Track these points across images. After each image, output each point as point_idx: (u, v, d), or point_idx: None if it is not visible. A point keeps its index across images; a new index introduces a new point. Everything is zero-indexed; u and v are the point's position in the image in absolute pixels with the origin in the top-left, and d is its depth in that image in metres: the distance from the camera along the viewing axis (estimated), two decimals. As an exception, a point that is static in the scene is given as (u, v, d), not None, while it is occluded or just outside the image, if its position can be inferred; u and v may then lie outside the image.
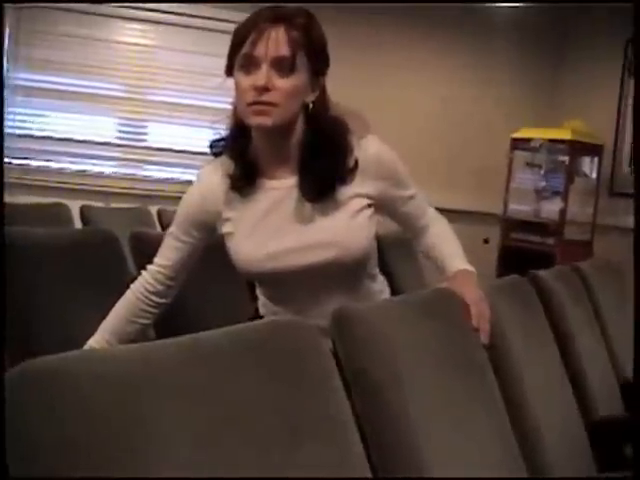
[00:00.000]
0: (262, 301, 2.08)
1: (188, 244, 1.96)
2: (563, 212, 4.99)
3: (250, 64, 1.74)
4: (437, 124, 5.56)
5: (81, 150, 5.03)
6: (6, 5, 4.19)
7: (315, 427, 1.13)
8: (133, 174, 5.14)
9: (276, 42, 1.73)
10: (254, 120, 1.76)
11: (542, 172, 5.22)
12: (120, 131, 5.14)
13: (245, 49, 1.74)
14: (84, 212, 3.84)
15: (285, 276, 1.88)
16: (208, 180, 1.92)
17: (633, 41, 2.20)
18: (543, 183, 5.23)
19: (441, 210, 2.08)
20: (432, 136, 5.50)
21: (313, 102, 1.84)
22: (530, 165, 5.30)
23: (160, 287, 2.00)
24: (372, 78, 5.27)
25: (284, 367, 1.14)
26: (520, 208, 5.34)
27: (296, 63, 1.75)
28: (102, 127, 5.15)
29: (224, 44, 5.55)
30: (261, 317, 2.08)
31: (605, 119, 5.28)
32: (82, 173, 5.00)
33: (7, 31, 4.61)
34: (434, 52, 5.66)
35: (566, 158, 5.02)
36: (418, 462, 1.37)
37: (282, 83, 1.73)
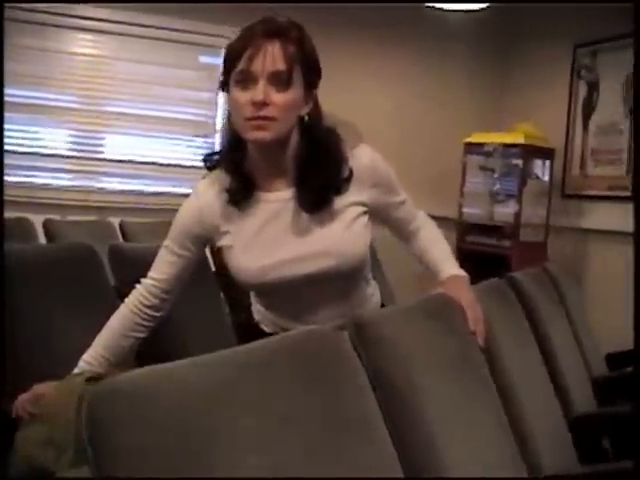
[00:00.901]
0: (257, 308, 2.11)
1: (184, 257, 1.98)
2: (518, 215, 5.09)
3: (247, 79, 1.76)
4: (391, 129, 5.62)
5: (35, 163, 4.96)
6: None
7: (355, 428, 1.17)
8: (89, 186, 5.09)
9: (273, 57, 1.76)
10: (253, 135, 1.79)
11: (495, 176, 5.31)
12: (75, 143, 5.08)
13: (242, 65, 1.76)
14: (47, 226, 3.80)
15: (284, 286, 1.91)
16: (205, 194, 1.94)
17: (634, 41, 2.25)
18: (497, 186, 5.32)
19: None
20: (386, 141, 5.47)
21: (308, 114, 1.87)
22: (483, 169, 5.38)
23: (155, 301, 2.00)
24: (326, 84, 5.29)
25: (322, 372, 1.19)
26: (475, 212, 5.42)
27: (293, 77, 1.78)
28: (57, 139, 5.08)
29: (179, 54, 5.60)
30: (256, 324, 2.11)
31: (555, 122, 5.40)
32: (38, 186, 4.93)
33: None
34: (387, 57, 5.72)
35: (519, 161, 5.11)
36: (438, 462, 1.41)
37: (279, 98, 1.76)
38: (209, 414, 0.89)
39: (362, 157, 1.93)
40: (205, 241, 1.99)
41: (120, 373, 1.98)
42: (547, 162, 5.31)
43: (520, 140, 5.06)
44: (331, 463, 1.08)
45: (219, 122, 5.31)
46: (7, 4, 2.10)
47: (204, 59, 5.27)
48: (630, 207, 4.87)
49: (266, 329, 2.09)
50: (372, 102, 5.63)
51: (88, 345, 2.14)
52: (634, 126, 2.02)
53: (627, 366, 3.35)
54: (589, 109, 5.24)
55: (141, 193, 5.17)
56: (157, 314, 2.03)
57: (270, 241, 1.89)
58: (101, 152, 5.15)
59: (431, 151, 5.70)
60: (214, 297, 3.15)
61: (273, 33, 1.77)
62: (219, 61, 5.13)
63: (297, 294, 1.94)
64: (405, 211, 2.08)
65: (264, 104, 1.75)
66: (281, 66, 1.76)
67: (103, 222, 4.37)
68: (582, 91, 5.31)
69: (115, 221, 4.48)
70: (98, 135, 5.14)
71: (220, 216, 1.92)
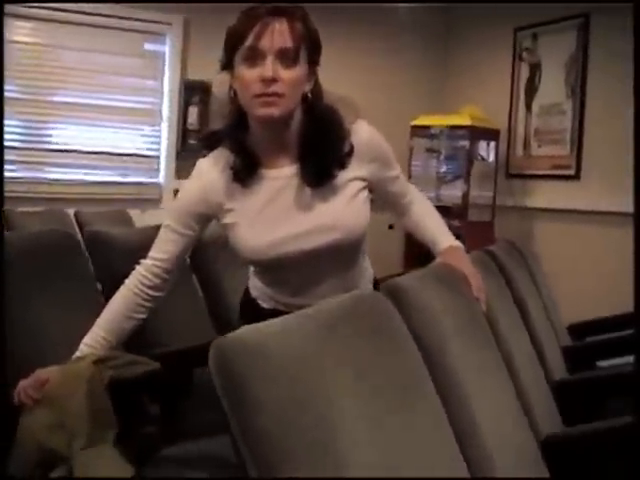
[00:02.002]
0: (254, 285, 2.12)
1: (186, 236, 1.98)
2: (466, 195, 5.18)
3: (254, 56, 1.77)
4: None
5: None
6: None
7: (415, 384, 1.20)
8: (37, 177, 4.98)
9: (281, 34, 1.77)
10: (262, 111, 1.80)
11: (442, 158, 5.40)
12: (21, 134, 4.97)
13: (249, 42, 1.76)
14: (7, 216, 3.72)
15: (288, 261, 1.92)
16: (208, 172, 1.94)
17: (634, 41, 2.30)
18: (443, 168, 5.41)
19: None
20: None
21: (310, 91, 1.89)
22: (430, 151, 5.46)
23: (157, 280, 2.00)
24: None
25: (380, 332, 1.21)
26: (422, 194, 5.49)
27: (299, 54, 1.80)
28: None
29: (124, 42, 5.51)
30: (253, 299, 2.12)
31: (498, 104, 5.52)
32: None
33: None
34: (334, 44, 5.72)
35: (466, 143, 5.20)
36: (473, 424, 1.45)
37: (287, 74, 1.78)
38: (312, 368, 0.92)
39: (361, 132, 1.96)
40: (208, 219, 1.99)
41: (122, 354, 1.99)
42: (492, 143, 5.42)
43: (466, 122, 5.15)
44: (400, 412, 1.12)
45: (165, 110, 5.27)
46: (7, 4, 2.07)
47: (149, 46, 5.20)
48: (574, 185, 5.05)
49: (264, 305, 2.10)
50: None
51: (71, 331, 2.12)
52: (634, 122, 2.07)
53: (589, 336, 3.47)
54: (532, 90, 5.37)
55: (90, 183, 5.08)
56: (158, 294, 2.02)
57: (275, 217, 1.91)
58: (48, 142, 5.04)
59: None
60: (188, 283, 3.15)
61: (280, 11, 1.78)
62: (164, 48, 5.18)
63: (300, 269, 1.96)
64: (399, 185, 2.12)
65: (273, 80, 1.76)
66: (289, 43, 1.77)
67: (59, 212, 4.30)
68: (524, 73, 5.43)
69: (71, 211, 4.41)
70: (44, 125, 5.03)
71: (224, 194, 1.92)
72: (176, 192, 5.18)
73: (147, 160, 5.26)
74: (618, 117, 4.78)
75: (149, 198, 5.19)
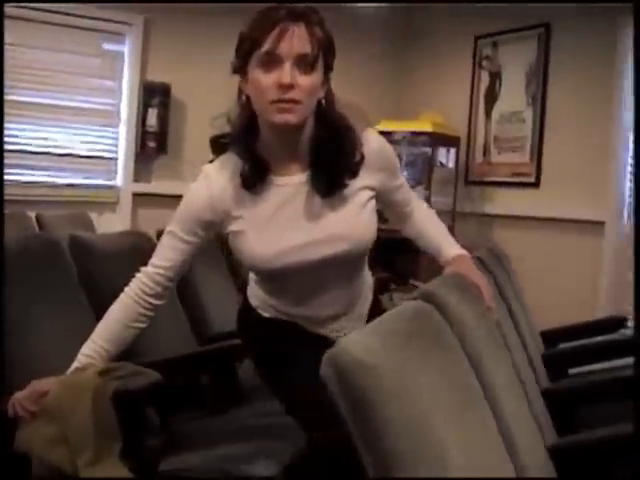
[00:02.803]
0: (255, 294, 2.08)
1: (191, 244, 1.92)
2: (427, 201, 5.19)
3: (272, 62, 1.73)
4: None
5: None
6: None
7: (477, 396, 1.19)
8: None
9: (300, 39, 1.73)
10: (279, 118, 1.76)
11: (402, 163, 5.40)
12: (-26, 133, 4.81)
13: (267, 47, 1.72)
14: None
15: (294, 270, 1.89)
16: (216, 179, 1.89)
17: (634, 40, 2.32)
18: (404, 174, 5.39)
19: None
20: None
21: (324, 98, 1.86)
22: (390, 157, 5.46)
23: (159, 289, 1.95)
24: (220, 78, 5.30)
25: (443, 343, 1.19)
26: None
27: (317, 60, 1.77)
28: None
29: (83, 41, 5.37)
30: (253, 308, 2.08)
31: (458, 111, 5.55)
32: None
33: None
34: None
35: (427, 149, 5.23)
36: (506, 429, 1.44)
37: (304, 80, 1.75)
38: (415, 382, 0.90)
39: (372, 141, 1.93)
40: (214, 226, 1.93)
41: (124, 364, 1.92)
42: (452, 150, 5.46)
43: (428, 128, 5.17)
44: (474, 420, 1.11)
45: (124, 111, 5.17)
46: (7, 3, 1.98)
47: (108, 46, 5.09)
48: (534, 192, 5.11)
49: (264, 314, 2.06)
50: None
51: (55, 336, 2.05)
52: (634, 128, 2.09)
53: (559, 343, 3.50)
54: (492, 98, 5.41)
55: (46, 185, 4.94)
56: (159, 302, 1.97)
57: (284, 225, 1.87)
58: (5, 143, 4.89)
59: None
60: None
61: (297, 16, 1.75)
62: (123, 49, 5.08)
63: (305, 278, 1.92)
64: (404, 193, 2.10)
65: (290, 87, 1.72)
66: (307, 49, 1.74)
67: (19, 214, 4.16)
68: (484, 81, 5.47)
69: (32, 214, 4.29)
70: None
71: (232, 201, 1.88)
72: (135, 195, 5.13)
73: (105, 162, 5.14)
74: (578, 126, 4.86)
75: (107, 201, 5.09)
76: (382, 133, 5.34)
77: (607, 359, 3.03)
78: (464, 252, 2.09)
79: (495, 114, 5.40)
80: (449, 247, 2.10)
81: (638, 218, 1.91)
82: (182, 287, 3.13)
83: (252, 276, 2.08)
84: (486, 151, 5.44)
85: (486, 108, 5.46)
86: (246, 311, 2.12)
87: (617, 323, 3.39)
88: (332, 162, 1.85)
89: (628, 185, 4.64)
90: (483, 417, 1.21)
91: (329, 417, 1.76)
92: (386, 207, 2.08)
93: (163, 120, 5.17)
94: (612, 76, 4.61)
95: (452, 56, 5.68)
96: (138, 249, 2.90)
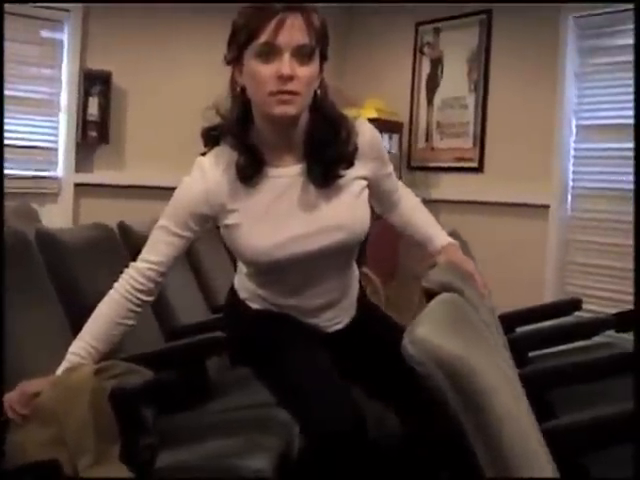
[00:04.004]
0: (245, 286, 2.06)
1: (184, 238, 1.90)
2: (372, 187, 5.22)
3: (270, 53, 1.72)
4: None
5: None
6: None
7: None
8: None
9: (298, 30, 1.72)
10: (279, 109, 1.75)
11: (346, 150, 5.41)
12: None
13: (265, 38, 1.71)
14: None
15: (290, 262, 1.88)
16: (211, 172, 1.86)
17: (634, 40, 2.35)
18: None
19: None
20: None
21: (319, 88, 1.85)
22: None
23: (150, 285, 1.92)
24: (162, 66, 5.27)
25: (481, 331, 1.20)
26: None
27: (315, 51, 1.76)
28: None
29: (20, 29, 5.17)
30: (242, 300, 2.07)
31: (400, 97, 5.58)
32: None
33: None
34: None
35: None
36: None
37: (302, 71, 1.74)
38: (496, 377, 0.91)
39: (365, 132, 1.94)
40: (208, 220, 1.91)
41: (119, 362, 1.89)
42: (394, 136, 5.48)
43: (372, 114, 5.18)
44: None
45: (64, 100, 5.03)
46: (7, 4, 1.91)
47: (46, 34, 4.94)
48: (477, 177, 5.19)
49: (254, 306, 2.05)
50: (209, 81, 5.54)
51: (27, 332, 2.00)
52: (634, 120, 2.12)
53: (516, 327, 3.56)
54: (433, 84, 5.46)
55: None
56: (150, 299, 1.94)
57: (280, 217, 1.86)
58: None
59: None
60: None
61: (294, 7, 1.73)
62: (62, 36, 4.94)
63: (301, 270, 1.93)
64: (392, 182, 2.12)
65: (290, 78, 1.71)
66: (306, 40, 1.73)
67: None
68: (426, 67, 5.51)
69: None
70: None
71: (227, 194, 1.86)
72: (77, 186, 5.01)
73: (45, 152, 4.99)
74: (520, 112, 4.95)
75: (48, 192, 4.96)
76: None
77: (569, 342, 3.10)
78: (452, 240, 2.12)
79: (437, 100, 5.45)
80: (438, 236, 2.13)
81: (638, 218, 1.96)
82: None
83: (242, 269, 2.06)
84: (429, 137, 5.49)
85: (428, 94, 5.50)
86: (234, 303, 2.10)
87: (573, 305, 3.46)
88: (327, 152, 1.85)
89: (571, 169, 4.74)
90: (526, 406, 1.22)
91: (328, 406, 1.79)
92: (375, 196, 2.09)
93: (104, 109, 5.05)
94: (555, 62, 4.70)
95: (393, 43, 5.70)
96: (102, 242, 2.85)
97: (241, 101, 1.84)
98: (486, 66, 5.12)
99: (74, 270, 2.54)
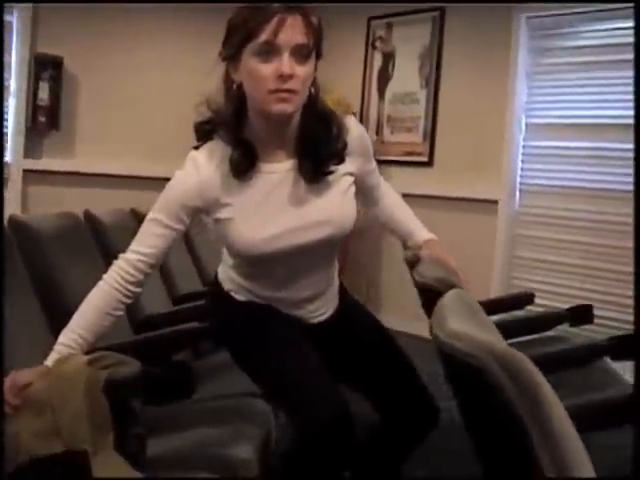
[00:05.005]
0: (230, 277, 2.09)
1: (176, 231, 1.91)
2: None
3: (270, 52, 1.74)
4: (192, 102, 5.56)
5: None
6: None
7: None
8: None
9: (297, 30, 1.75)
10: (278, 107, 1.78)
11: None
12: None
13: (265, 37, 1.73)
14: None
15: (280, 255, 1.92)
16: (205, 166, 1.88)
17: (634, 40, 2.41)
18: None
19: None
20: (189, 114, 5.49)
21: (312, 86, 1.89)
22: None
23: (140, 276, 1.92)
24: (130, 61, 5.22)
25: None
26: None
27: (312, 50, 1.79)
28: None
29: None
30: (226, 292, 2.09)
31: (351, 90, 5.64)
32: None
33: None
34: (188, 36, 5.62)
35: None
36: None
37: (300, 70, 1.77)
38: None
39: (353, 128, 1.98)
40: (200, 212, 1.93)
41: (110, 353, 1.89)
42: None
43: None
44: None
45: (13, 85, 4.95)
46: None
47: (-4, 15, 4.85)
48: (427, 171, 5.27)
49: (238, 297, 2.07)
50: (177, 77, 5.53)
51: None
52: (635, 120, 2.18)
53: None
54: (385, 78, 5.53)
55: None
56: (138, 290, 1.94)
57: (272, 211, 1.89)
58: None
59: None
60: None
61: (292, 7, 1.76)
62: (12, 19, 4.85)
63: (290, 263, 1.96)
64: (375, 177, 2.18)
65: (289, 77, 1.74)
66: (304, 39, 1.76)
67: None
68: (378, 61, 5.57)
69: None
70: None
71: (220, 188, 1.87)
72: (25, 172, 4.94)
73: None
74: (471, 109, 5.05)
75: (-5, 178, 4.88)
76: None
77: (526, 335, 3.20)
78: (433, 236, 2.18)
79: (389, 94, 5.52)
80: (419, 231, 2.19)
81: (638, 217, 2.02)
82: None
83: (227, 260, 2.08)
84: (379, 130, 5.56)
85: (379, 88, 5.57)
86: (219, 295, 2.12)
87: (527, 299, 3.56)
88: (319, 149, 1.89)
89: (520, 166, 4.87)
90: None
91: (318, 397, 1.83)
92: (359, 191, 2.13)
93: (55, 94, 4.99)
94: (506, 61, 4.82)
95: (346, 35, 5.74)
96: (72, 231, 2.83)
97: (237, 97, 1.86)
98: (438, 62, 5.21)
99: (49, 258, 2.51)
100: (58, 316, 2.38)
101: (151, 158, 5.21)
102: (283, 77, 1.74)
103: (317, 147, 1.89)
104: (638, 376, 1.47)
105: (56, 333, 2.22)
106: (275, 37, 1.73)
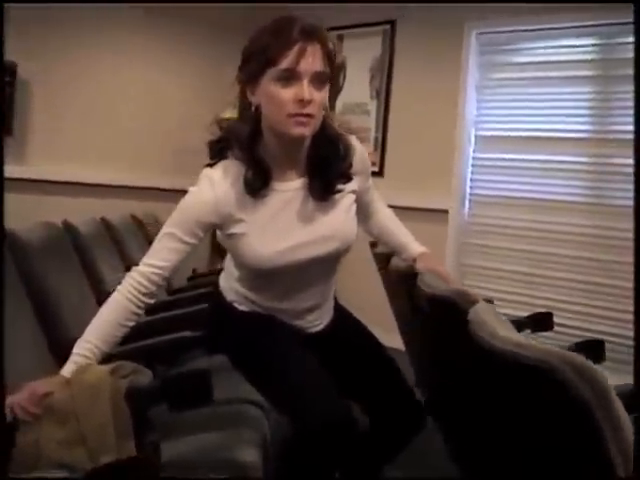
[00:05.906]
0: (233, 288, 2.17)
1: (190, 245, 1.99)
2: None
3: (291, 78, 1.84)
4: (146, 108, 5.59)
5: None
6: None
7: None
8: None
9: (317, 58, 1.86)
10: (296, 130, 1.88)
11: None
12: None
13: (287, 64, 1.83)
14: None
15: (291, 268, 2.02)
16: (221, 183, 1.97)
17: (634, 39, 2.52)
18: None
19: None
20: (143, 120, 5.54)
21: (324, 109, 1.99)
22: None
23: (153, 288, 1.99)
24: (86, 67, 5.23)
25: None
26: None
27: (328, 77, 1.90)
28: None
29: None
30: (229, 303, 2.17)
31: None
32: None
33: None
34: (140, 40, 5.64)
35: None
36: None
37: (318, 96, 1.88)
38: None
39: (356, 148, 2.10)
40: (213, 227, 2.01)
41: (127, 363, 1.95)
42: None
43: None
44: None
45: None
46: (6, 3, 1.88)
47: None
48: (378, 181, 5.37)
49: (241, 308, 2.16)
50: (129, 82, 5.54)
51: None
52: (635, 124, 2.28)
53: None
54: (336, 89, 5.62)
55: None
56: (151, 301, 2.01)
57: (283, 227, 1.99)
58: None
59: (185, 130, 5.70)
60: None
61: (311, 35, 1.86)
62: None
63: (295, 275, 2.06)
64: (371, 193, 2.30)
65: (309, 102, 1.84)
66: (322, 67, 1.87)
67: None
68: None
69: None
70: None
71: (235, 205, 1.97)
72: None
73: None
74: (421, 120, 5.21)
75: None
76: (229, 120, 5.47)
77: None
78: (425, 249, 2.31)
79: (339, 104, 5.60)
80: (412, 244, 2.32)
81: (638, 218, 2.13)
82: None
83: (232, 272, 2.17)
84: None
85: (330, 99, 5.64)
86: (221, 306, 2.20)
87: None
88: (329, 169, 2.00)
89: (469, 177, 5.05)
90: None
91: (323, 400, 1.93)
92: (357, 206, 2.24)
93: (9, 100, 4.95)
94: (456, 75, 4.99)
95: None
96: (54, 240, 2.86)
97: (252, 118, 1.95)
98: (389, 74, 5.34)
99: (39, 268, 2.54)
100: (52, 325, 2.43)
101: (103, 164, 5.21)
102: (302, 102, 1.84)
103: (327, 167, 2.00)
104: (638, 376, 1.60)
105: (50, 342, 2.26)
106: (296, 65, 1.83)
